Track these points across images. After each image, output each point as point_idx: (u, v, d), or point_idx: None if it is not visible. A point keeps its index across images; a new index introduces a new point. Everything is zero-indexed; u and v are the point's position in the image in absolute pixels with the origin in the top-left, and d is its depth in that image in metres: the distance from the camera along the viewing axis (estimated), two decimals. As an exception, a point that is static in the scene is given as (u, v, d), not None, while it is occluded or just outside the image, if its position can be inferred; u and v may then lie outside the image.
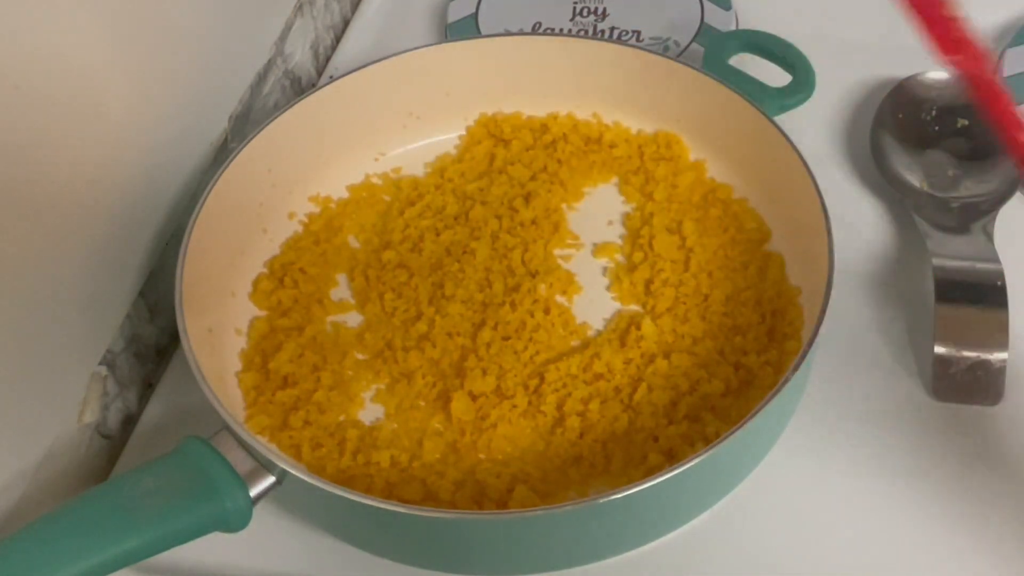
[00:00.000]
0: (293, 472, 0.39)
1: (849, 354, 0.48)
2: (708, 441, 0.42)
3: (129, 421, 0.51)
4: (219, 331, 0.49)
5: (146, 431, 0.50)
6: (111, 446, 0.50)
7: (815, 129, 0.57)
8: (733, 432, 0.38)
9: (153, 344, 0.53)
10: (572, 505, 0.38)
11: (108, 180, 0.47)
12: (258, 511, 0.41)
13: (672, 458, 0.43)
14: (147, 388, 0.53)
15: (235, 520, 0.39)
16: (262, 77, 0.60)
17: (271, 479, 0.40)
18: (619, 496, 0.37)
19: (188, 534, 0.38)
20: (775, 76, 0.53)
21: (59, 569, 0.35)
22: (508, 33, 0.60)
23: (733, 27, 0.61)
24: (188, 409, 0.50)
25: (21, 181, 0.41)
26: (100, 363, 0.49)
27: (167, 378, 0.52)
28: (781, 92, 0.52)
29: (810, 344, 0.41)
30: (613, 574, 0.43)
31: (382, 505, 0.38)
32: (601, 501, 0.37)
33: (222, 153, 0.56)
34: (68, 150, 0.44)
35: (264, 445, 0.40)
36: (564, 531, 0.39)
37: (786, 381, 0.39)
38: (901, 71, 0.57)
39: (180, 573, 0.45)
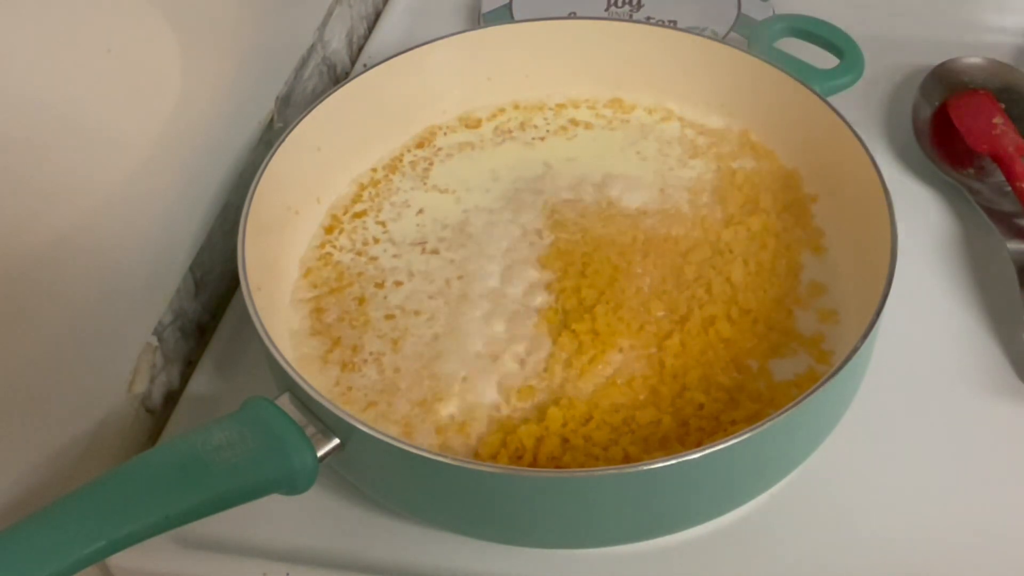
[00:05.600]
0: (363, 429, 0.39)
1: (926, 340, 0.49)
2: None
3: (171, 397, 0.51)
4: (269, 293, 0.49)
5: (189, 406, 0.50)
6: (154, 421, 0.50)
7: (851, 118, 0.58)
8: (799, 402, 0.39)
9: (195, 320, 0.53)
10: (658, 463, 0.38)
11: (169, 154, 0.48)
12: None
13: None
14: (187, 366, 0.53)
15: (301, 480, 0.39)
16: (304, 61, 0.61)
17: (335, 441, 0.40)
18: (697, 456, 0.37)
19: (256, 490, 0.38)
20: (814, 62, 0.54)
21: (140, 516, 0.35)
22: (551, 18, 0.61)
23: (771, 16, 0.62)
24: (230, 386, 0.51)
25: (84, 160, 0.42)
26: (151, 334, 0.49)
27: (207, 356, 0.52)
28: (830, 74, 0.53)
29: (876, 316, 0.41)
30: (679, 550, 0.43)
31: (453, 462, 0.38)
32: (691, 458, 0.37)
33: (268, 133, 0.57)
34: (125, 129, 0.45)
35: (332, 404, 0.40)
36: (636, 496, 0.39)
37: (855, 351, 0.40)
38: (934, 58, 0.58)
39: (228, 548, 0.45)
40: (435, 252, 0.52)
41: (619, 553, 0.43)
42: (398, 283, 0.50)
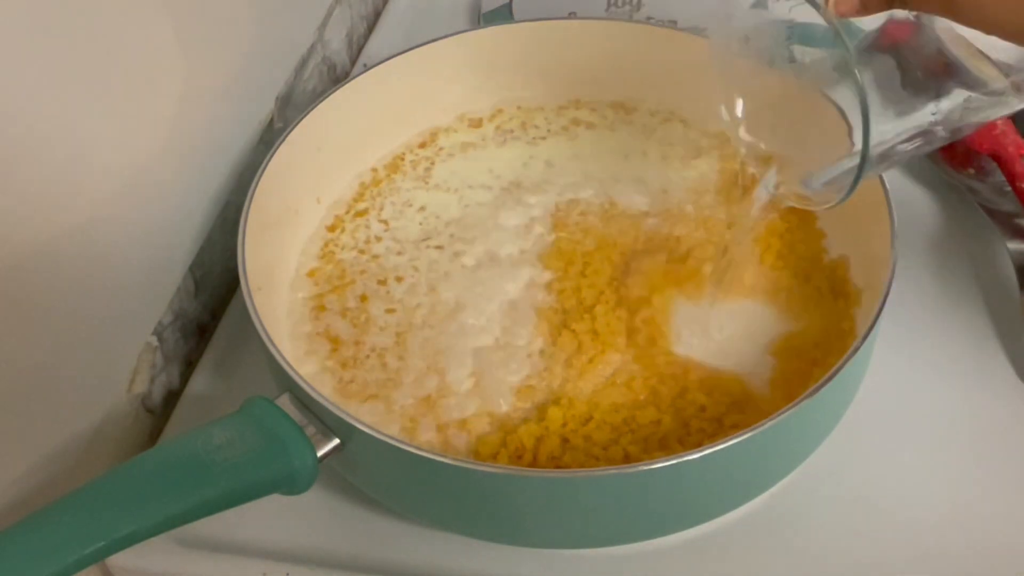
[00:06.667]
0: (363, 429, 0.39)
1: (926, 340, 0.49)
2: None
3: (171, 397, 0.51)
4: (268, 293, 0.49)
5: (189, 406, 0.50)
6: (154, 421, 0.50)
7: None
8: (806, 398, 0.39)
9: (195, 320, 0.53)
10: (658, 463, 0.38)
11: (169, 154, 0.48)
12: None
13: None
14: (187, 366, 0.53)
15: (301, 480, 0.39)
16: (304, 61, 0.61)
17: (335, 441, 0.40)
18: (697, 456, 0.37)
19: (256, 490, 0.38)
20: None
21: (140, 516, 0.35)
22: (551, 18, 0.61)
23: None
24: (230, 386, 0.51)
25: (84, 160, 0.42)
26: (151, 334, 0.49)
27: (207, 356, 0.52)
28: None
29: (876, 316, 0.41)
30: (679, 550, 0.43)
31: (453, 462, 0.38)
32: (691, 458, 0.37)
33: (268, 133, 0.57)
34: (125, 129, 0.45)
35: (332, 404, 0.40)
36: (636, 496, 0.39)
37: (855, 351, 0.40)
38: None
39: (228, 548, 0.45)
40: (439, 248, 0.52)
41: (619, 553, 0.43)
42: (399, 278, 0.51)
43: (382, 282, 0.51)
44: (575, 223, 0.52)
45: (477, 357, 0.47)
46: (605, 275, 0.49)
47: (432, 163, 0.56)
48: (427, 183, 0.55)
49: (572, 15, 0.65)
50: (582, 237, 0.51)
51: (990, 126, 0.55)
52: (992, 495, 0.44)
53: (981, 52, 0.36)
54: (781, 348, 0.47)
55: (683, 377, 0.45)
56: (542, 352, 0.47)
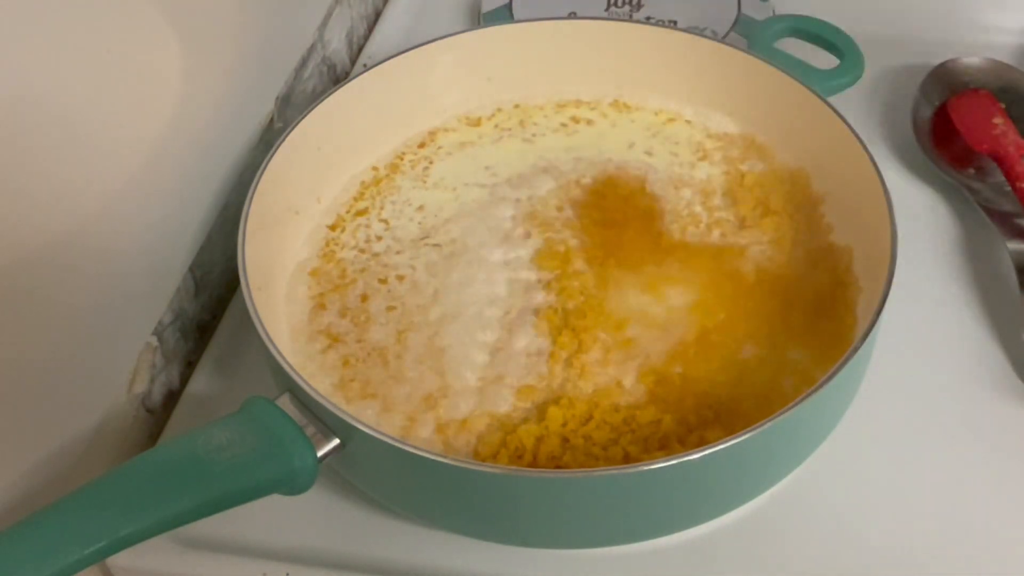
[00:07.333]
0: (363, 429, 0.39)
1: (926, 340, 0.49)
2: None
3: (171, 397, 0.51)
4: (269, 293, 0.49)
5: (189, 406, 0.50)
6: (154, 421, 0.50)
7: (851, 118, 0.58)
8: (800, 402, 0.39)
9: (195, 320, 0.53)
10: (658, 463, 0.38)
11: (169, 155, 0.48)
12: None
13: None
14: (187, 366, 0.53)
15: (301, 480, 0.39)
16: (304, 61, 0.61)
17: (335, 441, 0.40)
18: (697, 456, 0.37)
19: (256, 490, 0.38)
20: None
21: (140, 516, 0.35)
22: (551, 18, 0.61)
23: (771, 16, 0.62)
24: (230, 386, 0.51)
25: (83, 161, 0.42)
26: (151, 333, 0.49)
27: (207, 356, 0.52)
28: (830, 74, 0.53)
29: (876, 316, 0.41)
30: (679, 550, 0.43)
31: (453, 462, 0.38)
32: (692, 458, 0.37)
33: (268, 133, 0.57)
34: (125, 129, 0.45)
35: (332, 404, 0.40)
36: (636, 496, 0.39)
37: (854, 351, 0.40)
38: (934, 58, 0.58)
39: (228, 548, 0.45)
40: (437, 246, 0.52)
41: (619, 553, 0.43)
42: (400, 277, 0.51)
43: (383, 281, 0.51)
44: (564, 220, 0.52)
45: (477, 356, 0.47)
46: (600, 271, 0.49)
47: (431, 162, 0.56)
48: (426, 182, 0.55)
49: (572, 15, 0.65)
50: (571, 235, 0.51)
51: (990, 126, 0.55)
52: (992, 495, 0.44)
53: None
54: (782, 348, 0.47)
55: (683, 377, 0.45)
56: (542, 352, 0.47)
